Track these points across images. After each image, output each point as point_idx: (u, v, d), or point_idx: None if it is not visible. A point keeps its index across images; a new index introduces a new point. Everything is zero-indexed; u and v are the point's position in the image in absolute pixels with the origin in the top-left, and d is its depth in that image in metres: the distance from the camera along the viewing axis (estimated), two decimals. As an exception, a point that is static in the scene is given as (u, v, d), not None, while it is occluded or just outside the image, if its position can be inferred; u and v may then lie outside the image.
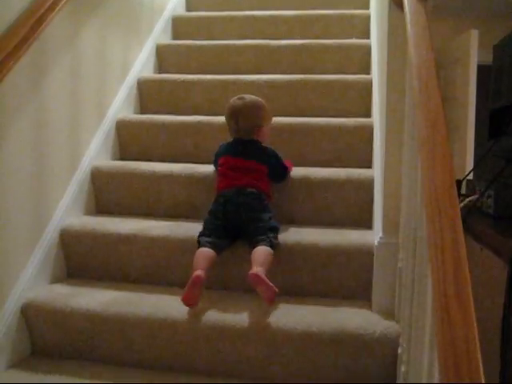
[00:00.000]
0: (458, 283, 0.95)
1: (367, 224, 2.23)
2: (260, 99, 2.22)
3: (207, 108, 2.90)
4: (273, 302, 1.80)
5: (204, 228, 2.02)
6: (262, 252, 1.87)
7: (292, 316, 1.82)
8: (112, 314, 1.90)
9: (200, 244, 1.94)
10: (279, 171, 2.22)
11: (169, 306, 1.89)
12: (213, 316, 1.81)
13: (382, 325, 1.77)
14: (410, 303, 1.46)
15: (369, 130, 2.49)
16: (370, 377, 1.74)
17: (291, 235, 2.07)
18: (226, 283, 2.06)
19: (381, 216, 1.92)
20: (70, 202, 2.33)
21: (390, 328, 1.75)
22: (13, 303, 1.94)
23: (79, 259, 2.23)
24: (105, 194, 2.49)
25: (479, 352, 0.87)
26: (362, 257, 1.97)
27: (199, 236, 1.98)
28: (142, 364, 1.88)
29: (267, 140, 2.24)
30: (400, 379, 1.58)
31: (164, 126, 2.70)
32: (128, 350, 1.89)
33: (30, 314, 1.97)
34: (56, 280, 2.19)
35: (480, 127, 2.62)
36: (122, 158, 2.76)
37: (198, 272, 1.78)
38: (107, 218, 2.39)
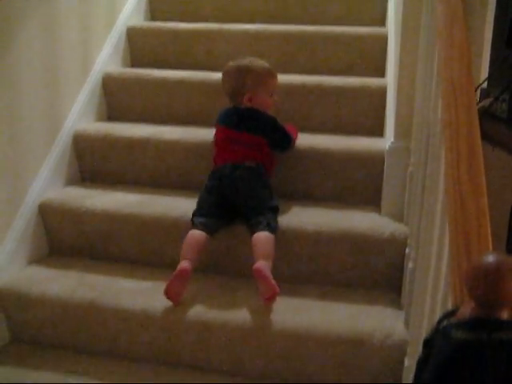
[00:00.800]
0: (471, 168, 0.97)
1: (379, 132, 2.23)
2: (253, 63, 1.95)
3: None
4: (271, 302, 1.65)
5: (198, 206, 1.84)
6: (264, 241, 1.69)
7: (304, 217, 1.87)
8: (126, 214, 1.95)
9: (193, 224, 1.78)
10: (280, 142, 1.96)
11: (182, 207, 1.94)
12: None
13: (391, 227, 1.81)
14: (420, 205, 1.49)
15: (383, 39, 2.45)
16: (377, 275, 1.80)
17: (304, 140, 2.07)
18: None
19: (393, 122, 1.92)
20: (82, 107, 2.33)
21: (398, 230, 1.79)
22: (30, 203, 2.00)
23: (92, 163, 2.26)
24: (116, 101, 2.49)
25: (489, 231, 0.89)
26: (374, 162, 1.98)
27: (193, 215, 1.81)
28: (156, 263, 1.94)
29: (269, 107, 1.97)
30: (407, 276, 1.63)
31: (176, 33, 2.65)
32: (142, 249, 1.95)
33: (46, 214, 2.03)
34: (71, 183, 2.23)
35: (497, 37, 2.56)
36: (134, 66, 2.74)
37: (185, 264, 1.63)
38: (119, 124, 2.40)
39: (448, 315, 0.72)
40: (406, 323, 1.58)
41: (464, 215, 0.89)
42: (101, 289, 1.81)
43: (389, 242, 1.76)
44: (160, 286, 1.67)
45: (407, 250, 1.71)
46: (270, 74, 1.95)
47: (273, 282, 1.59)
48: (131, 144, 2.19)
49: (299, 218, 1.87)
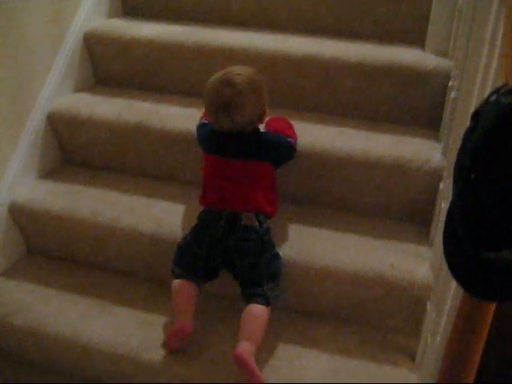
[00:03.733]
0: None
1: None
2: (250, 74, 1.50)
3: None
4: None
5: (179, 260, 1.52)
6: (254, 318, 1.41)
7: (347, 50, 1.86)
8: (171, 41, 1.97)
9: (174, 274, 1.51)
10: (287, 154, 1.60)
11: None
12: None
13: (435, 60, 1.79)
14: (467, 37, 1.46)
15: None
16: (418, 111, 1.82)
17: None
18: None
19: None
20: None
21: (442, 63, 1.78)
22: (75, 32, 2.02)
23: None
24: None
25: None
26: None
27: (174, 262, 1.53)
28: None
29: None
30: (447, 108, 1.65)
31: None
32: (188, 78, 2.00)
33: (91, 44, 2.06)
34: (114, 15, 2.24)
35: None
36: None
37: (183, 323, 1.40)
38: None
39: (497, 90, 0.75)
40: (444, 152, 1.62)
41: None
42: (147, 113, 1.87)
43: (432, 75, 1.76)
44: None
45: (450, 83, 1.71)
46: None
47: (256, 371, 1.32)
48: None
49: (342, 53, 1.85)
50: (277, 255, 1.51)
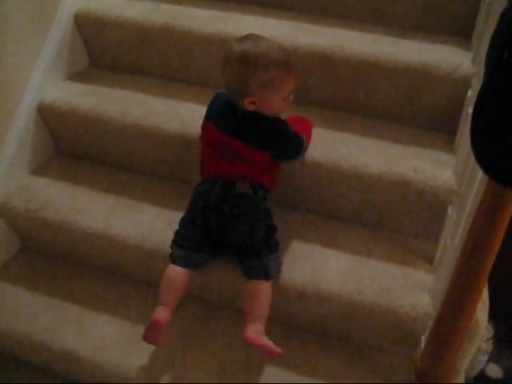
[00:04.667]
0: None
1: None
2: (266, 52, 1.34)
3: None
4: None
5: (178, 233, 1.47)
6: (256, 297, 1.38)
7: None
8: None
9: (172, 258, 1.45)
10: (287, 153, 1.50)
11: None
12: None
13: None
14: None
15: None
16: (449, 17, 1.78)
17: None
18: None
19: None
20: None
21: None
22: None
23: None
24: None
25: None
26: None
27: (172, 243, 1.47)
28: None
29: (280, 112, 1.46)
30: (482, 13, 1.60)
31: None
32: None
33: None
34: None
35: None
36: None
37: (159, 315, 1.34)
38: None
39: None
40: (474, 60, 1.59)
41: None
42: (174, 15, 1.85)
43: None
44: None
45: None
46: (288, 74, 1.38)
47: (271, 347, 1.31)
48: None
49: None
50: (274, 228, 1.46)
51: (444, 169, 1.52)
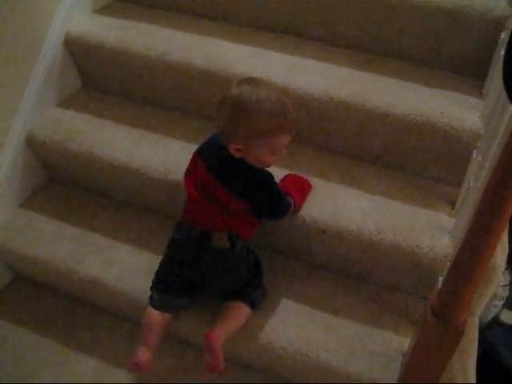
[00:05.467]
0: None
1: None
2: (261, 103, 1.23)
3: None
4: (212, 372, 1.32)
5: (158, 274, 1.43)
6: (235, 310, 1.38)
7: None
8: None
9: (150, 301, 1.41)
10: (269, 208, 1.38)
11: None
12: None
13: None
14: None
15: None
16: None
17: None
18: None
19: None
20: None
21: None
22: None
23: None
24: None
25: None
26: None
27: (152, 285, 1.43)
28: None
29: (267, 166, 1.36)
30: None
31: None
32: None
33: None
34: None
35: None
36: None
37: (140, 356, 1.33)
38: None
39: None
40: (510, 2, 1.55)
41: None
42: None
43: None
44: None
45: None
46: (280, 128, 1.26)
47: (220, 357, 1.29)
48: None
49: None
50: (257, 264, 1.43)
51: (471, 113, 1.50)
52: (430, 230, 1.43)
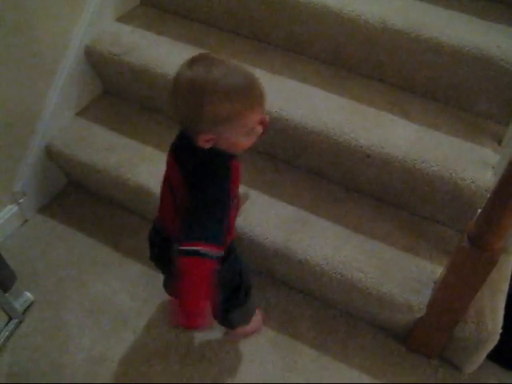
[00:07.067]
0: None
1: None
2: (226, 73, 1.00)
3: None
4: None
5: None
6: None
7: None
8: None
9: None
10: (183, 217, 1.07)
11: None
12: None
13: None
14: None
15: None
16: None
17: None
18: None
19: None
20: None
21: None
22: None
23: None
24: None
25: None
26: None
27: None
28: None
29: (244, 148, 1.10)
30: None
31: None
32: None
33: None
34: None
35: None
36: None
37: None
38: None
39: None
40: None
41: None
42: None
43: None
44: None
45: None
46: (250, 106, 1.02)
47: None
48: None
49: None
50: (236, 279, 1.29)
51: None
52: (474, 164, 1.44)
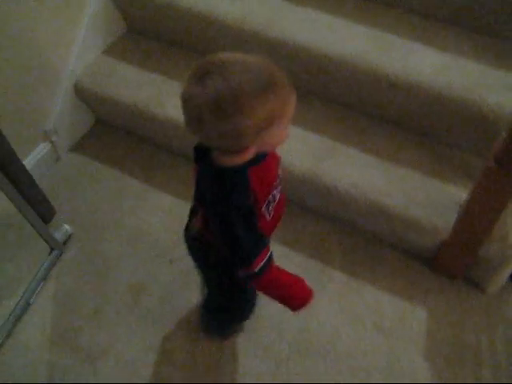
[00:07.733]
0: None
1: None
2: (245, 80, 0.83)
3: None
4: None
5: None
6: None
7: None
8: None
9: None
10: (229, 250, 0.99)
11: None
12: None
13: None
14: None
15: None
16: None
17: None
18: None
19: None
20: None
21: None
22: None
23: None
24: None
25: None
26: None
27: None
28: None
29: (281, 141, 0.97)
30: None
31: None
32: None
33: None
34: None
35: None
36: None
37: None
38: None
39: None
40: None
41: None
42: None
43: None
44: None
45: None
46: (283, 102, 0.88)
47: None
48: None
49: None
50: (236, 292, 1.25)
51: None
52: (499, 88, 1.46)
